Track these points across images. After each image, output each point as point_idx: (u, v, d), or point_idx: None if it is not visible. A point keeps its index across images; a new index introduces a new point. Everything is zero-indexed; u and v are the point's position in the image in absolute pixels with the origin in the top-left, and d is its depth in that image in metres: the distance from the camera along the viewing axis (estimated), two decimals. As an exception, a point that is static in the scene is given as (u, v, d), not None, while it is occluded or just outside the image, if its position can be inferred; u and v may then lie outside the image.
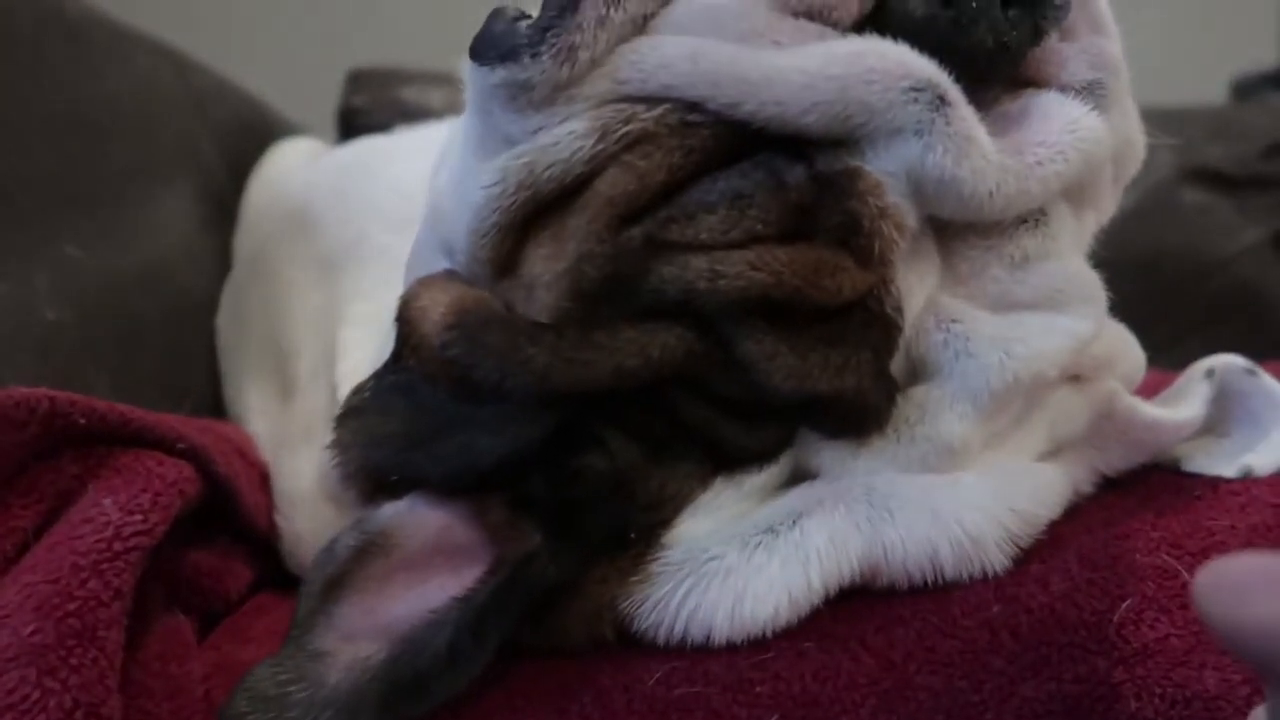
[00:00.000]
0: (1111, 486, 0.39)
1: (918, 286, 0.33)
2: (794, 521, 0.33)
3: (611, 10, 0.30)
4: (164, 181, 0.71)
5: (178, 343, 0.65)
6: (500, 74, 0.31)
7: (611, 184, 0.31)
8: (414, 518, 0.34)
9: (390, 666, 0.32)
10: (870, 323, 0.32)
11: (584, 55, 0.30)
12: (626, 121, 0.30)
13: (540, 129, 0.31)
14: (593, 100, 0.31)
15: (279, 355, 0.64)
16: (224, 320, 0.70)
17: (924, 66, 0.30)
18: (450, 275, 0.35)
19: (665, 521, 0.34)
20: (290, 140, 0.84)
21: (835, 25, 0.31)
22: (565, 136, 0.31)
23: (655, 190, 0.30)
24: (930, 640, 0.31)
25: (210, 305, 0.69)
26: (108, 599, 0.34)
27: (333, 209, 0.64)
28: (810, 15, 0.31)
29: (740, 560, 0.33)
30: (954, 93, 0.31)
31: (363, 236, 0.56)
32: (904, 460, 0.33)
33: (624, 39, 0.31)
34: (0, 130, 0.57)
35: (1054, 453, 0.37)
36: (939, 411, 0.32)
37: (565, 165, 0.31)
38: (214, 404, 0.66)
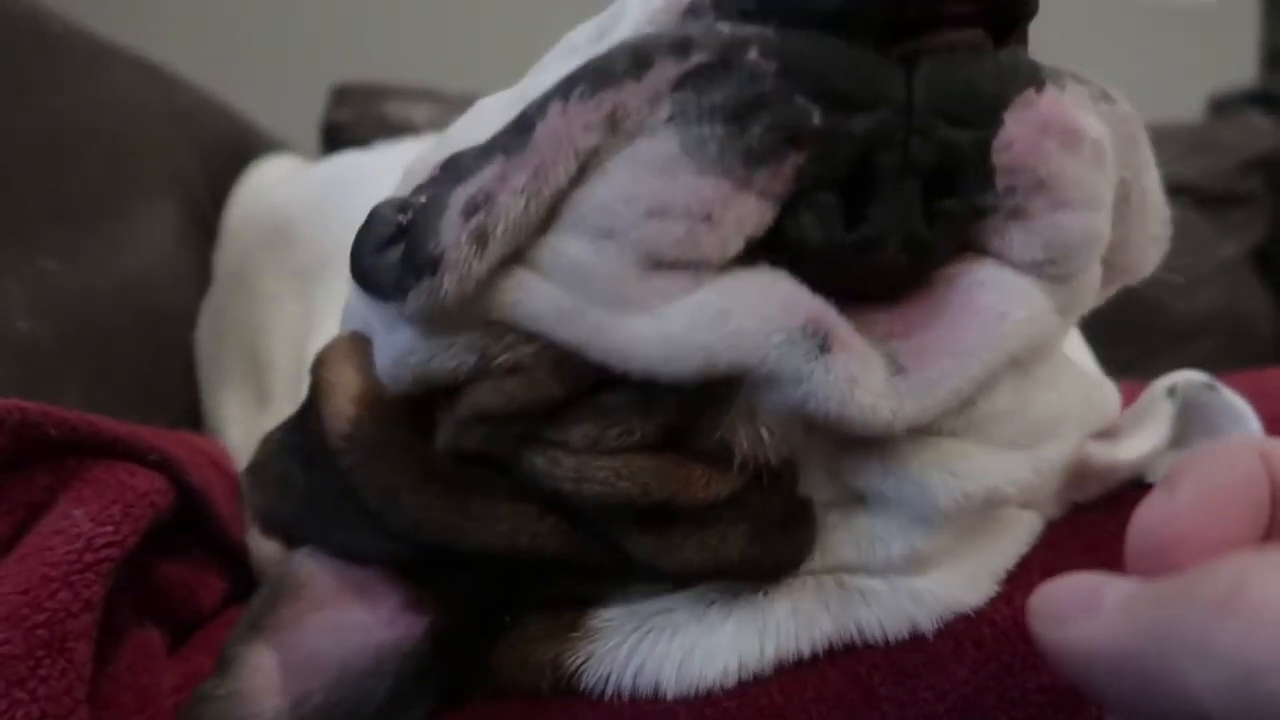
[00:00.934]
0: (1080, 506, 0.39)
1: (821, 439, 0.30)
2: (758, 586, 0.32)
3: (475, 265, 0.27)
4: (144, 196, 0.71)
5: (154, 356, 0.65)
6: (380, 305, 0.30)
7: (484, 400, 0.30)
8: (320, 564, 0.35)
9: (328, 712, 0.32)
10: (743, 497, 0.30)
11: (453, 301, 0.28)
12: (506, 349, 0.29)
13: (425, 339, 0.30)
14: (475, 320, 0.29)
15: (256, 366, 0.64)
16: (204, 333, 0.70)
17: (802, 309, 0.27)
18: (367, 349, 0.34)
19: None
20: (271, 158, 0.85)
21: (709, 267, 0.27)
22: (449, 351, 0.30)
23: (530, 408, 0.29)
24: (895, 654, 0.32)
25: (188, 319, 0.70)
26: (77, 610, 0.34)
27: (312, 223, 0.64)
28: (679, 266, 0.27)
29: (691, 617, 0.32)
30: (840, 331, 0.27)
31: (340, 250, 0.57)
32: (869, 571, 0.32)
33: (498, 266, 0.28)
34: (-21, 143, 0.57)
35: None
36: (890, 539, 0.31)
37: (451, 372, 0.30)
38: (190, 417, 0.66)
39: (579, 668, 0.32)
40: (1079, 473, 0.37)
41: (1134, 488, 0.39)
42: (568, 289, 0.28)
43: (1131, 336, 1.23)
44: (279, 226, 0.66)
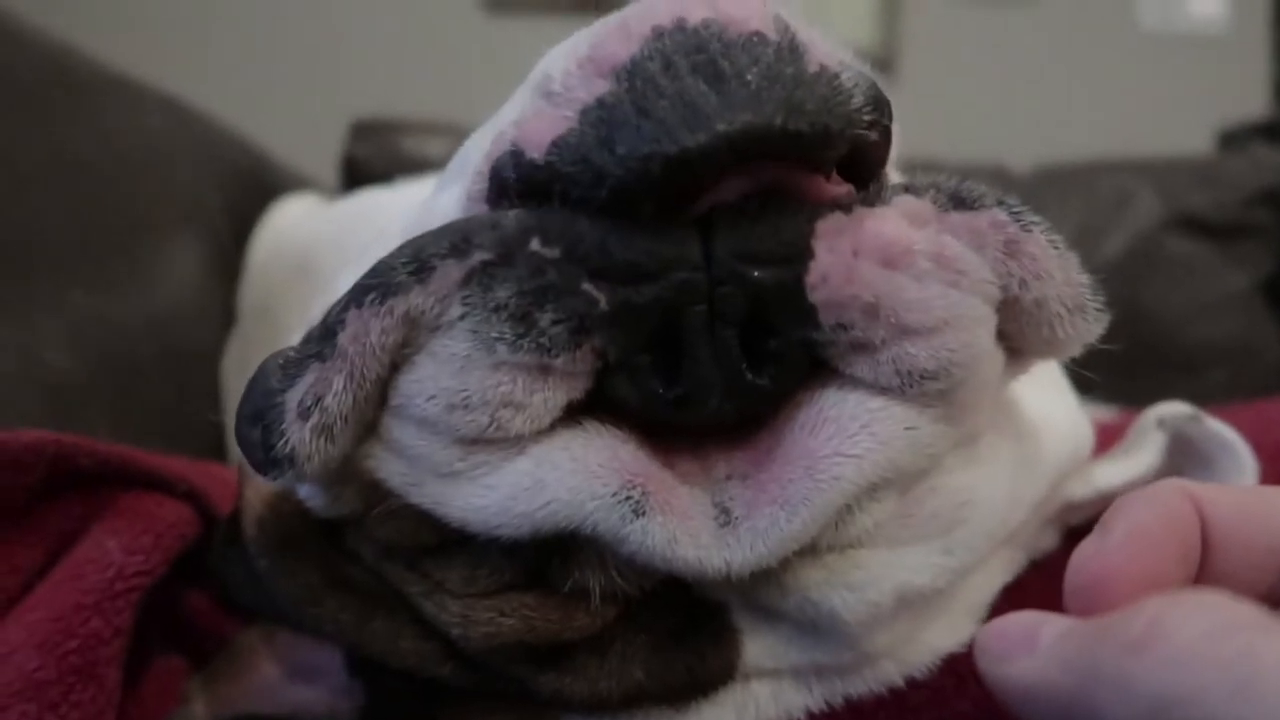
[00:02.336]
0: (1079, 531, 0.40)
1: None
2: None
3: (329, 450, 0.28)
4: (169, 232, 0.73)
5: (178, 389, 0.67)
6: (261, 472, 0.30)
7: (378, 533, 0.31)
8: (267, 641, 0.38)
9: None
10: (634, 611, 0.30)
11: (319, 475, 0.29)
12: (382, 499, 0.30)
13: (319, 488, 0.32)
14: (355, 476, 0.30)
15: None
16: (229, 370, 0.72)
17: (617, 474, 0.27)
18: None
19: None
20: (294, 196, 0.87)
21: (521, 440, 0.27)
22: (340, 498, 0.31)
23: (409, 553, 0.31)
24: (898, 690, 0.32)
25: (211, 354, 0.71)
26: (108, 637, 0.35)
27: (335, 259, 0.66)
28: (494, 441, 0.27)
29: (666, 708, 0.31)
30: (659, 491, 0.27)
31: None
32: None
33: (358, 438, 0.29)
34: (9, 182, 0.59)
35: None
36: (819, 645, 0.31)
37: (348, 515, 0.32)
38: (214, 451, 0.67)
39: None
40: (1065, 507, 0.37)
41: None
42: (407, 463, 0.29)
43: (1141, 367, 1.24)
44: (304, 263, 0.67)
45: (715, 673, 0.31)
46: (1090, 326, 0.29)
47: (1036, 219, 0.28)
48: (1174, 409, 0.39)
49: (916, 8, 2.25)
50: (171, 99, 0.84)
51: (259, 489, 0.35)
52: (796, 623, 0.31)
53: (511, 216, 0.27)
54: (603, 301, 0.26)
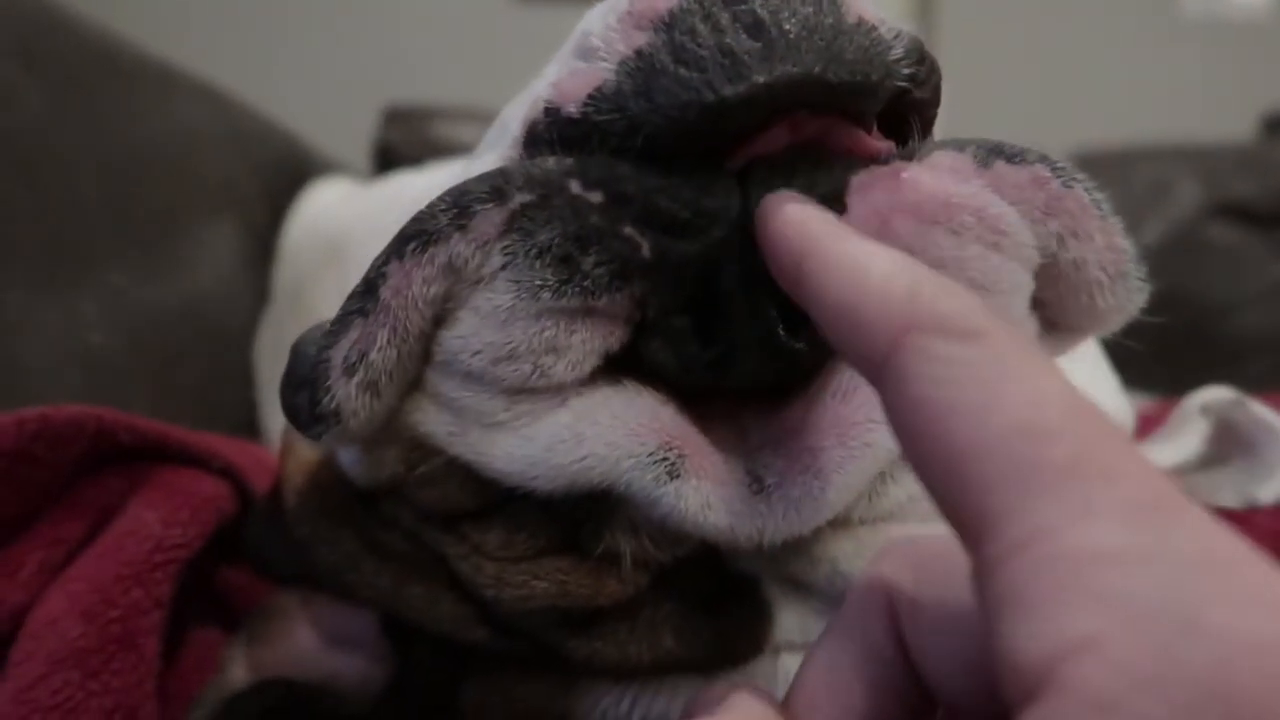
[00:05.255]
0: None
1: None
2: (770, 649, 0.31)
3: (375, 407, 0.28)
4: (206, 216, 0.74)
5: (214, 371, 0.67)
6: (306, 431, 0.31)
7: (417, 498, 0.31)
8: (304, 605, 0.38)
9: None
10: (665, 578, 0.30)
11: (363, 435, 0.29)
12: (423, 461, 0.30)
13: (363, 454, 0.32)
14: (398, 436, 0.31)
15: (312, 383, 0.66)
16: (263, 351, 0.72)
17: (654, 434, 0.27)
18: None
19: None
20: (326, 179, 0.87)
21: (564, 389, 0.28)
22: (382, 462, 0.31)
23: (455, 515, 0.31)
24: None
25: (245, 336, 0.72)
26: (148, 607, 0.35)
27: (368, 243, 0.66)
28: (539, 391, 0.27)
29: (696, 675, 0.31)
30: (695, 455, 0.27)
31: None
32: None
33: (404, 393, 0.29)
34: (54, 166, 0.60)
35: None
36: None
37: (389, 480, 0.32)
38: (246, 428, 0.68)
39: (582, 717, 0.32)
40: None
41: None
42: (452, 415, 0.29)
43: (1184, 356, 1.22)
44: (337, 246, 0.68)
45: (746, 644, 0.31)
46: (1132, 297, 0.29)
47: (1081, 176, 0.28)
48: (1217, 394, 0.39)
49: (953, -7, 2.22)
50: (208, 86, 0.85)
51: (300, 461, 0.36)
52: (826, 596, 0.30)
53: (551, 160, 0.27)
54: (645, 248, 0.26)
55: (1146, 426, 0.41)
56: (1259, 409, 0.38)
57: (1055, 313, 0.30)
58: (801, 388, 0.29)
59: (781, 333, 0.27)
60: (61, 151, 0.61)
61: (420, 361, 0.29)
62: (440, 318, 0.28)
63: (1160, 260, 1.23)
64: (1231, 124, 1.55)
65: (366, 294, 0.28)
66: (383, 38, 1.72)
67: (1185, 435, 0.38)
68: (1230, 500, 0.39)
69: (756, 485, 0.28)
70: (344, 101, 1.45)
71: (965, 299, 0.20)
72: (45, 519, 0.38)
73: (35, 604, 0.35)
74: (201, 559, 0.40)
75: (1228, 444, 0.39)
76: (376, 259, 0.28)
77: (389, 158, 1.17)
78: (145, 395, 0.57)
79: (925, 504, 0.29)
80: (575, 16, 0.31)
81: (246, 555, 0.40)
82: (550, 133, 0.27)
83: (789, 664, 0.31)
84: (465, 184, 0.27)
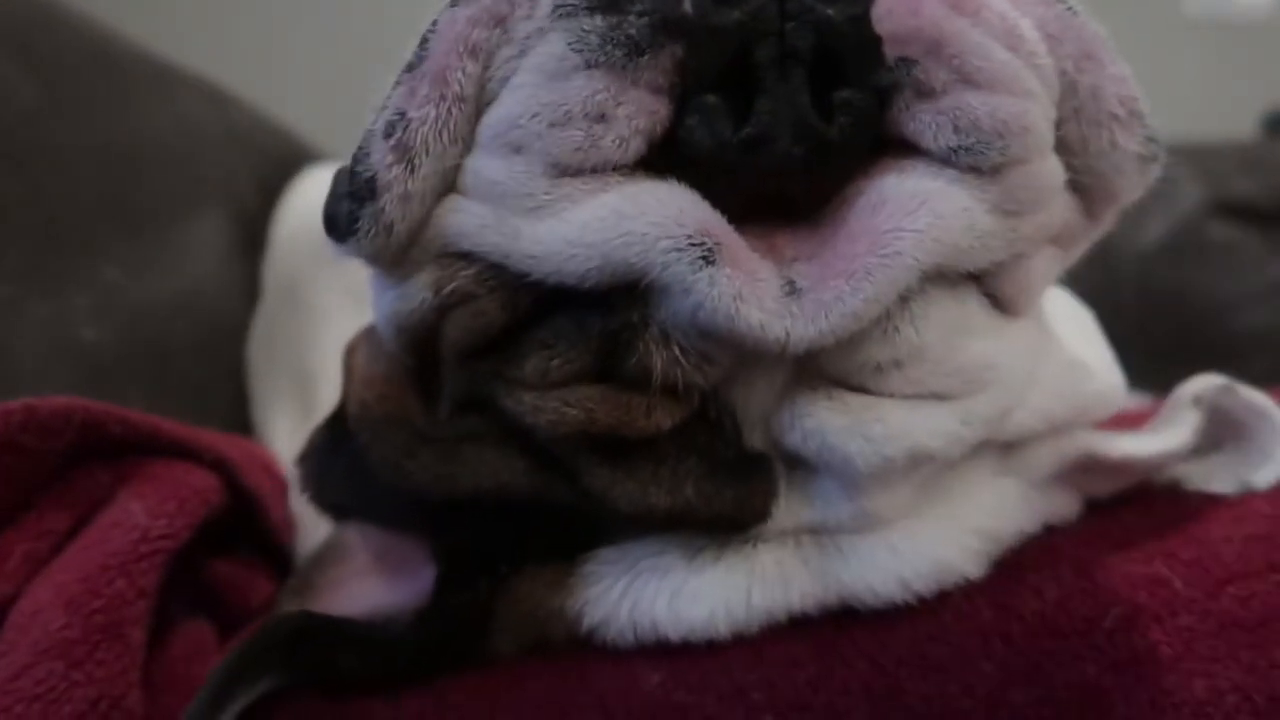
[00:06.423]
0: (1115, 503, 0.40)
1: (762, 383, 0.31)
2: (748, 538, 0.33)
3: (409, 184, 0.30)
4: (200, 210, 0.73)
5: (206, 364, 0.67)
6: (343, 249, 0.32)
7: (451, 334, 0.32)
8: (363, 534, 0.38)
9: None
10: (691, 432, 0.31)
11: (400, 228, 0.30)
12: (452, 279, 0.31)
13: (397, 284, 0.33)
14: (428, 255, 0.31)
15: (305, 380, 0.66)
16: (255, 346, 0.72)
17: (689, 219, 0.28)
18: (378, 336, 0.37)
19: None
20: (318, 166, 0.86)
21: (615, 169, 0.29)
22: (413, 289, 0.32)
23: (491, 336, 0.31)
24: (922, 646, 0.32)
25: (238, 330, 0.72)
26: (133, 597, 0.35)
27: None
28: (584, 171, 0.29)
29: (680, 559, 0.33)
30: (731, 246, 0.28)
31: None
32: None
33: (438, 193, 0.31)
34: (48, 159, 0.60)
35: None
36: (836, 498, 0.32)
37: (420, 314, 0.32)
38: (239, 424, 0.68)
39: (580, 612, 0.33)
40: (1085, 464, 0.37)
41: (1170, 492, 0.40)
42: (489, 203, 0.30)
43: (1182, 355, 1.21)
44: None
45: (756, 510, 0.32)
46: (1149, 148, 0.31)
47: (1080, 8, 0.30)
48: (1207, 382, 0.38)
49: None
50: (206, 83, 0.85)
51: (360, 377, 0.36)
52: (813, 474, 0.32)
53: None
54: (686, 2, 0.28)
55: (1141, 423, 0.41)
56: (1250, 393, 0.38)
57: (1080, 163, 0.31)
58: (831, 210, 0.30)
59: (813, 114, 0.28)
60: (55, 145, 0.61)
61: (455, 144, 0.30)
62: (485, 98, 0.29)
63: (1161, 259, 1.23)
64: (1233, 123, 1.55)
65: (418, 49, 0.30)
66: (381, 35, 1.73)
67: (1176, 426, 0.38)
68: (1225, 486, 0.39)
69: (789, 287, 0.29)
70: (341, 98, 1.45)
71: None
72: (32, 510, 0.38)
73: (21, 595, 0.35)
74: (191, 551, 0.40)
75: (1220, 431, 0.39)
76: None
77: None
78: (140, 391, 0.57)
79: (930, 366, 0.30)
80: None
81: (304, 487, 0.39)
82: None
83: (765, 559, 0.33)
84: None
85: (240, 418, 0.68)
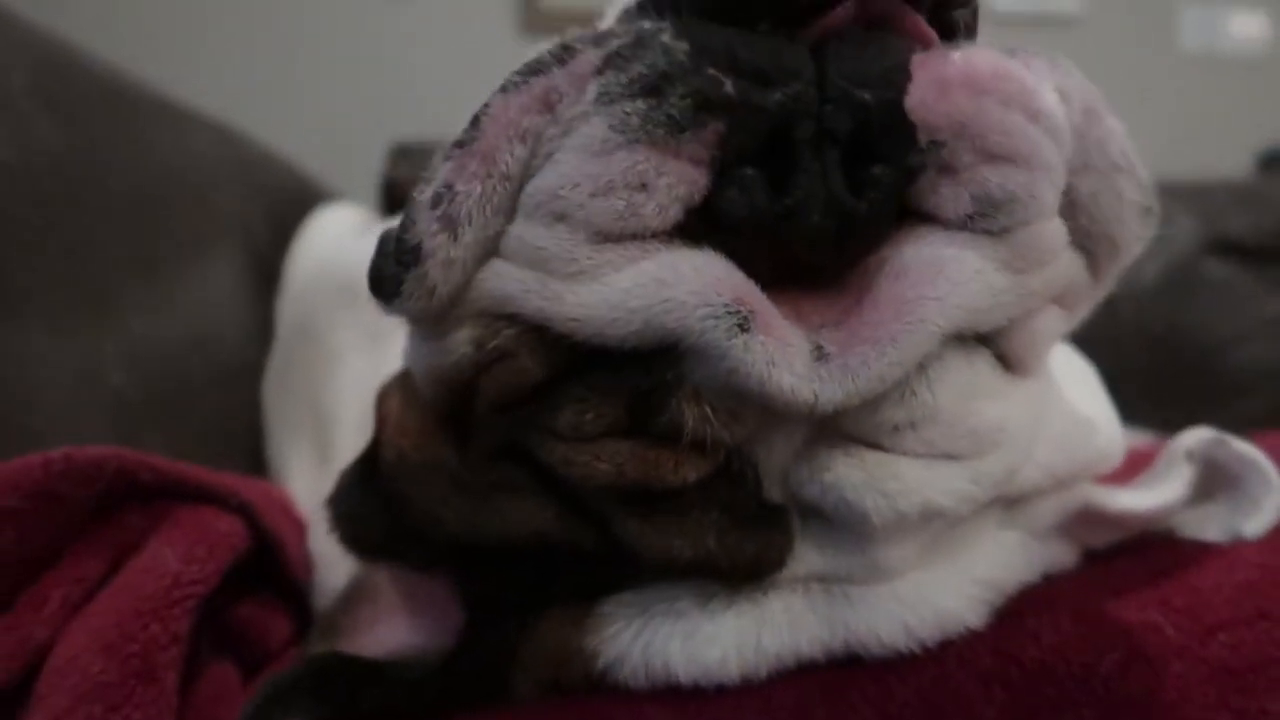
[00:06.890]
0: (1111, 550, 0.41)
1: (782, 439, 0.33)
2: (760, 584, 0.34)
3: (452, 250, 0.31)
4: (215, 253, 0.75)
5: (223, 405, 0.69)
6: (389, 309, 0.33)
7: (488, 388, 0.33)
8: (392, 576, 0.40)
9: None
10: (715, 485, 0.32)
11: (442, 290, 0.32)
12: (494, 336, 0.32)
13: (436, 339, 0.34)
14: (469, 313, 0.33)
15: (320, 420, 0.67)
16: (270, 383, 0.73)
17: (726, 288, 0.29)
18: (413, 382, 0.38)
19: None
20: (331, 207, 0.87)
21: (653, 235, 0.30)
22: (452, 345, 0.33)
23: (527, 390, 0.33)
24: (925, 692, 0.33)
25: (252, 369, 0.73)
26: (166, 642, 0.37)
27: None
28: (625, 237, 0.30)
29: (693, 605, 0.34)
30: (764, 314, 0.30)
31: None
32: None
33: (480, 260, 0.32)
34: (72, 204, 0.61)
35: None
36: (848, 549, 0.33)
37: (456, 364, 0.34)
38: (254, 462, 0.69)
39: (595, 651, 0.35)
40: (1084, 516, 0.38)
41: (1163, 541, 0.41)
42: (532, 268, 0.31)
43: (1179, 394, 1.23)
44: (348, 283, 0.69)
45: (773, 560, 0.33)
46: (1144, 198, 0.33)
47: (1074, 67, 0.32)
48: (1199, 435, 0.40)
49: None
50: (216, 123, 0.86)
51: (400, 425, 0.38)
52: (827, 526, 0.33)
53: (646, 23, 0.30)
54: (727, 85, 0.29)
55: (1140, 463, 0.42)
56: (1241, 445, 0.39)
57: (1088, 219, 0.33)
58: (862, 270, 0.31)
59: (845, 192, 0.30)
60: (79, 189, 0.62)
61: (498, 216, 0.31)
62: (529, 173, 0.31)
63: (1159, 297, 1.25)
64: (1228, 158, 1.57)
65: (470, 128, 0.31)
66: (390, 74, 1.75)
67: (1170, 480, 0.39)
68: (1217, 535, 0.40)
69: (818, 352, 0.30)
70: (351, 139, 1.47)
71: None
72: (67, 556, 0.39)
73: (58, 639, 0.36)
74: (217, 594, 0.42)
75: (1213, 481, 0.40)
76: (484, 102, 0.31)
77: (397, 195, 1.19)
78: (161, 435, 0.58)
79: (944, 428, 0.32)
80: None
81: (334, 528, 0.40)
82: (650, 2, 0.32)
83: (775, 607, 0.34)
84: (572, 36, 0.31)
85: (258, 454, 0.70)
